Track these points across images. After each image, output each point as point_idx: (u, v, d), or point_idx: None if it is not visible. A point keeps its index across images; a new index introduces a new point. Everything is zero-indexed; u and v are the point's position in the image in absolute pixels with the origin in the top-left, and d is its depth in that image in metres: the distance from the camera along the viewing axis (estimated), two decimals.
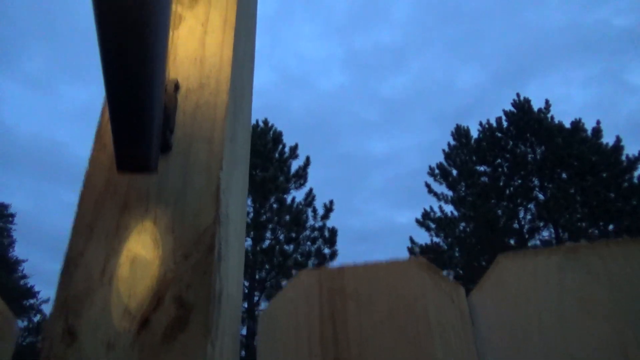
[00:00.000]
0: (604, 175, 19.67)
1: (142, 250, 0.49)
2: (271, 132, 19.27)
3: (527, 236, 20.06)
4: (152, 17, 0.47)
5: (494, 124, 22.18)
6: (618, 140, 20.21)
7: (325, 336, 0.55)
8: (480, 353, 0.53)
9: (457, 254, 20.55)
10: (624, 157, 19.75)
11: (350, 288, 0.56)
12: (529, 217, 20.43)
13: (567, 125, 21.06)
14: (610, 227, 18.79)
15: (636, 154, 19.51)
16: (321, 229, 17.90)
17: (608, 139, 20.31)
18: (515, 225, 20.08)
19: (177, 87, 0.58)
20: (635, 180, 19.10)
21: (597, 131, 20.59)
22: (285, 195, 18.06)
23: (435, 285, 0.55)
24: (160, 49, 0.49)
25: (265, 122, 19.28)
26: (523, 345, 0.52)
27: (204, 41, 0.61)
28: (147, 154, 0.48)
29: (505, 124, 21.97)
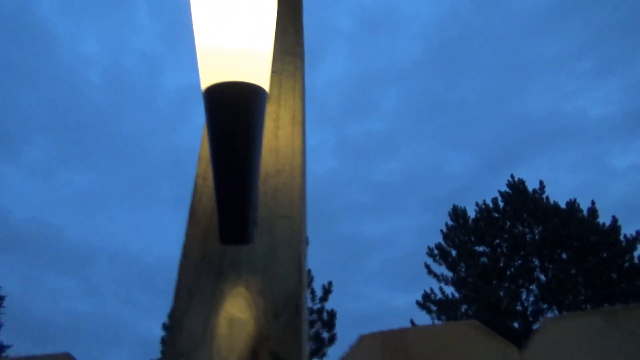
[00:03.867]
0: (605, 255, 19.58)
1: (237, 312, 0.56)
2: None
3: (531, 319, 19.51)
4: (253, 122, 0.59)
5: (490, 205, 22.40)
6: (615, 220, 20.36)
7: None
8: None
9: None
10: (622, 237, 19.79)
11: (412, 348, 0.63)
12: (532, 298, 20.00)
13: (563, 205, 21.31)
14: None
15: (633, 234, 19.57)
16: (320, 311, 17.40)
17: (603, 219, 20.42)
18: (519, 307, 19.61)
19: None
20: (636, 261, 19.01)
21: (592, 211, 20.81)
22: None
23: (489, 344, 0.61)
24: (258, 145, 0.60)
25: None
26: None
27: (277, 134, 0.73)
28: (246, 228, 0.57)
29: (501, 204, 22.20)
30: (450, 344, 0.63)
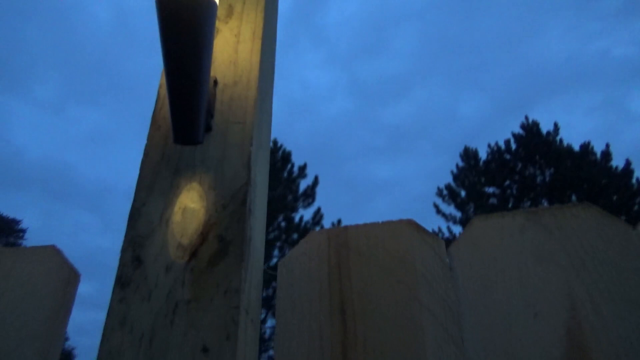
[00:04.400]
0: (615, 198, 19.49)
1: (190, 203, 0.63)
2: (280, 152, 19.47)
3: None
4: (202, 32, 0.63)
5: (503, 146, 22.14)
6: (628, 163, 20.04)
7: (332, 281, 0.69)
8: (457, 296, 0.66)
9: None
10: (634, 181, 19.58)
11: (353, 243, 0.70)
12: None
13: (576, 148, 21.00)
14: None
15: None
16: None
17: (617, 163, 20.12)
18: None
19: (215, 82, 0.73)
20: None
21: (606, 154, 20.46)
22: (293, 214, 18.15)
23: (421, 240, 0.68)
24: (207, 55, 0.64)
25: (275, 142, 19.51)
26: (490, 291, 0.65)
27: (237, 48, 0.77)
28: (196, 130, 0.63)
29: (514, 146, 21.93)
30: (387, 238, 0.70)
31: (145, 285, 0.57)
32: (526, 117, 22.73)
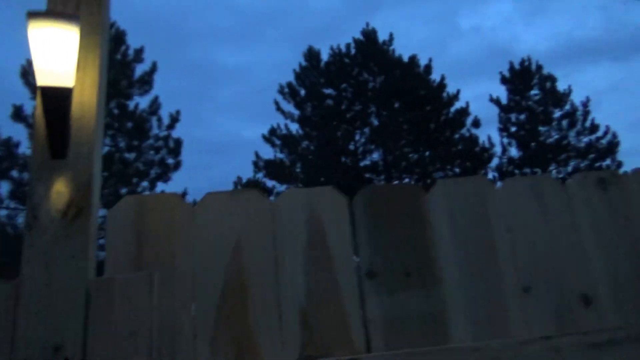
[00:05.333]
0: (428, 108, 21.97)
1: (62, 188, 1.29)
2: (113, 30, 17.62)
3: (360, 157, 21.95)
4: (66, 106, 1.25)
5: (344, 50, 22.89)
6: (442, 78, 22.50)
7: (134, 224, 1.43)
8: (197, 235, 1.46)
9: (298, 170, 21.60)
10: (445, 94, 22.20)
11: (149, 204, 1.44)
12: (363, 140, 22.16)
13: (406, 59, 22.73)
14: (427, 153, 21.72)
15: (454, 92, 22.28)
16: (166, 138, 17.70)
17: (436, 76, 22.47)
18: (352, 147, 21.84)
19: (71, 117, 1.35)
20: (451, 115, 21.97)
21: (428, 68, 22.55)
22: (127, 101, 17.29)
23: (178, 204, 1.45)
24: (68, 109, 1.27)
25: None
26: (210, 231, 1.46)
27: (83, 93, 1.37)
28: (64, 150, 1.27)
29: (353, 51, 22.84)
30: (166, 202, 1.45)
31: (41, 229, 1.25)
32: (367, 24, 23.54)
